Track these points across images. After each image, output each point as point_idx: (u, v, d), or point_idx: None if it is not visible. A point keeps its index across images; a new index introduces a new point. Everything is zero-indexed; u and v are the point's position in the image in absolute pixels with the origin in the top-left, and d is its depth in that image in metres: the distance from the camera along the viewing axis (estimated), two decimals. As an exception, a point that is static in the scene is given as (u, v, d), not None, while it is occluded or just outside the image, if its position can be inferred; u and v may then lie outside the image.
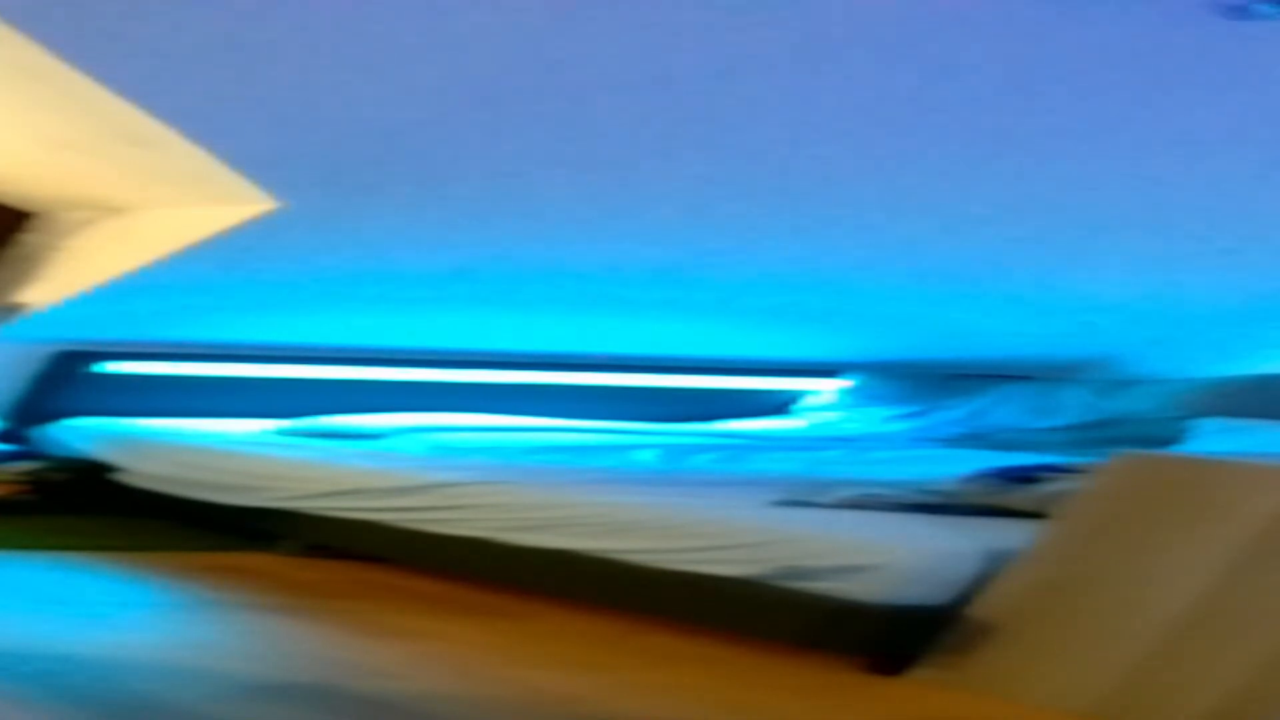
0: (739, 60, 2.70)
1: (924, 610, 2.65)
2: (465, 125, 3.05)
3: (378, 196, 3.47)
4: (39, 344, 4.50)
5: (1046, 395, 5.63)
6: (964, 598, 2.64)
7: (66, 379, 4.62)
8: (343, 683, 2.49)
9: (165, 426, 4.56)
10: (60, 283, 3.99)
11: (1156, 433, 5.06)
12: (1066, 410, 5.52)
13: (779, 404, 5.80)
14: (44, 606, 3.09)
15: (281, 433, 4.59)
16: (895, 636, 2.67)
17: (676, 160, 3.26)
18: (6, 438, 4.52)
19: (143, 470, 4.19)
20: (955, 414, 5.63)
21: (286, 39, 2.64)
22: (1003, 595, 2.61)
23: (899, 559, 2.70)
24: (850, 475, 3.99)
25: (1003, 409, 5.63)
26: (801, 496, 3.37)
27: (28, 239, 4.17)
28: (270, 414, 4.77)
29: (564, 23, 2.55)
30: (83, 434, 4.50)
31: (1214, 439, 4.88)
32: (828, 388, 5.90)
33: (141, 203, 3.90)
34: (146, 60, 2.75)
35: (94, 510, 4.19)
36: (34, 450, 4.51)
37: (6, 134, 3.44)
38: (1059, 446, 4.87)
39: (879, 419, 5.66)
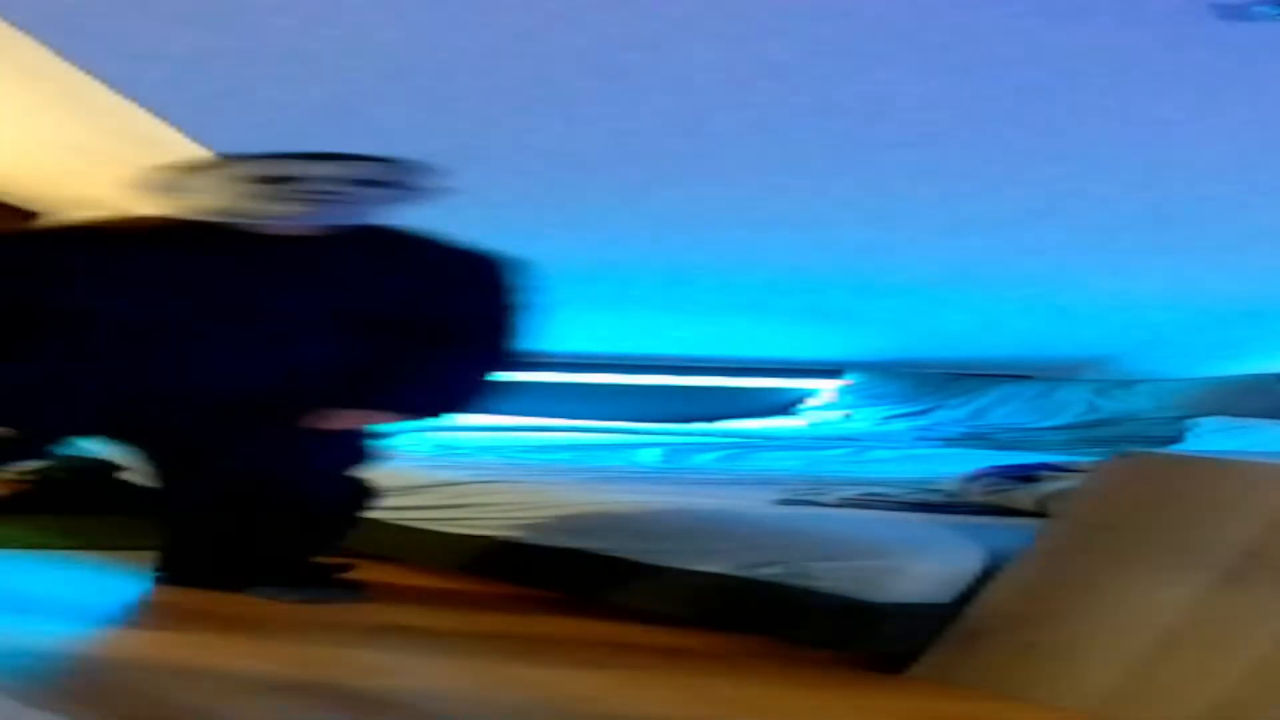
0: (743, 62, 2.70)
1: (925, 609, 2.66)
2: (464, 126, 3.06)
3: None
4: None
5: (1047, 395, 5.63)
6: (965, 597, 2.65)
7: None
8: (345, 681, 2.50)
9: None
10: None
11: (1156, 432, 5.06)
12: (1067, 410, 5.53)
13: (781, 403, 5.81)
14: (48, 605, 3.09)
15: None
16: (896, 635, 2.67)
17: (677, 160, 3.26)
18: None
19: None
20: (956, 413, 5.63)
21: (289, 40, 2.64)
22: (1003, 594, 2.61)
23: (900, 558, 2.70)
24: (852, 474, 4.00)
25: (1004, 408, 5.63)
26: (803, 496, 3.38)
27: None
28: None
29: (553, 21, 2.55)
30: (86, 434, 4.50)
31: (1214, 439, 4.89)
32: (829, 387, 5.91)
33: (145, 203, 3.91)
34: (150, 61, 2.76)
35: (99, 509, 4.20)
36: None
37: (11, 134, 3.45)
38: (1060, 446, 4.88)
39: (880, 418, 5.66)
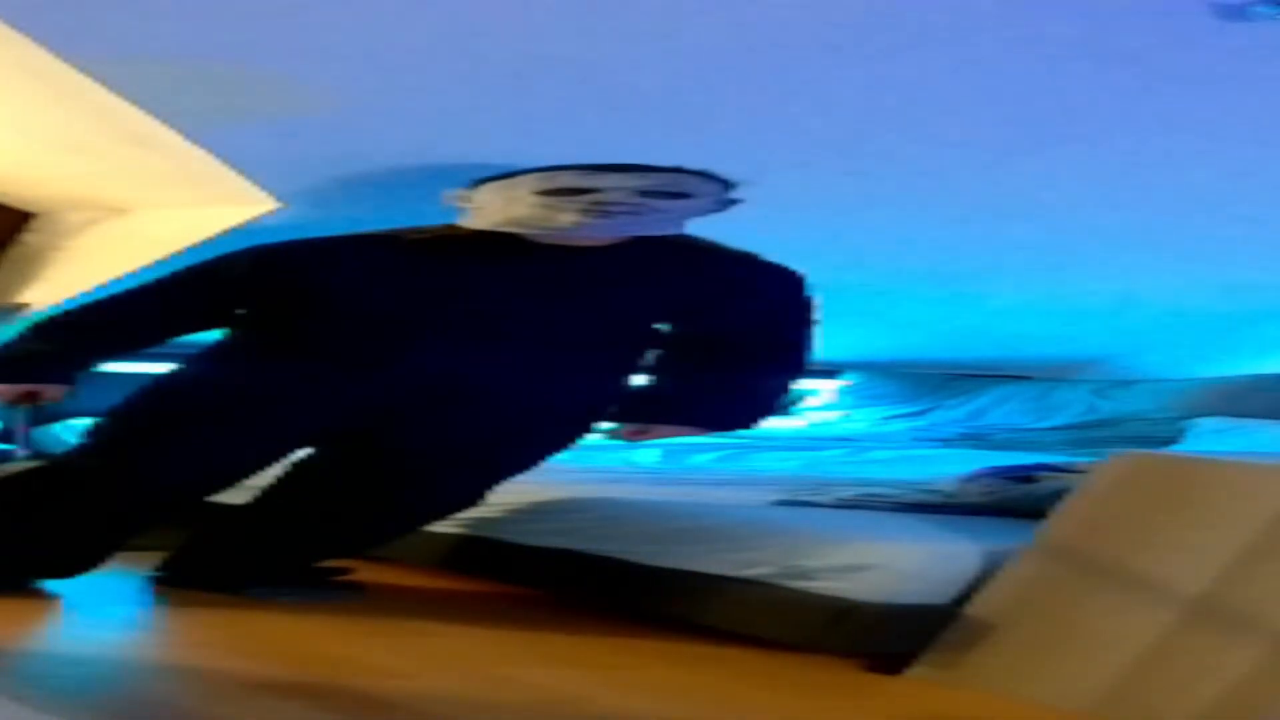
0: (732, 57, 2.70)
1: (924, 609, 2.66)
2: (463, 126, 3.05)
3: (379, 197, 3.48)
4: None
5: (1046, 395, 5.63)
6: (963, 597, 2.65)
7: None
8: (343, 681, 2.50)
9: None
10: (62, 283, 4.00)
11: (1156, 432, 5.06)
12: (1066, 410, 5.52)
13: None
14: (45, 605, 3.09)
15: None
16: (895, 636, 2.68)
17: (673, 157, 3.26)
18: (7, 437, 4.53)
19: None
20: (954, 414, 5.63)
21: (288, 38, 2.64)
22: (1001, 594, 2.62)
23: (899, 559, 2.71)
24: (850, 475, 4.00)
25: (1002, 409, 5.63)
26: (802, 496, 3.38)
27: (30, 239, 4.18)
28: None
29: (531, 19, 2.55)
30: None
31: (1214, 439, 4.89)
32: (827, 387, 5.90)
33: (143, 203, 3.91)
34: (148, 60, 2.76)
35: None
36: (36, 450, 4.51)
37: (8, 135, 3.45)
38: (1058, 446, 4.88)
39: (878, 419, 5.66)
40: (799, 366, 3.34)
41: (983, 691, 2.53)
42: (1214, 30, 2.40)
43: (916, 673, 2.63)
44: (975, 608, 2.62)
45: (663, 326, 3.29)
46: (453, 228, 3.18)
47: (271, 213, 3.54)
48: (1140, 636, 2.43)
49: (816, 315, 3.31)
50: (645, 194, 3.05)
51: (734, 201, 3.21)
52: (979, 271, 4.35)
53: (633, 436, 3.32)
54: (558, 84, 2.79)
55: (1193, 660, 2.37)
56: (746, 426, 3.52)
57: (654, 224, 3.12)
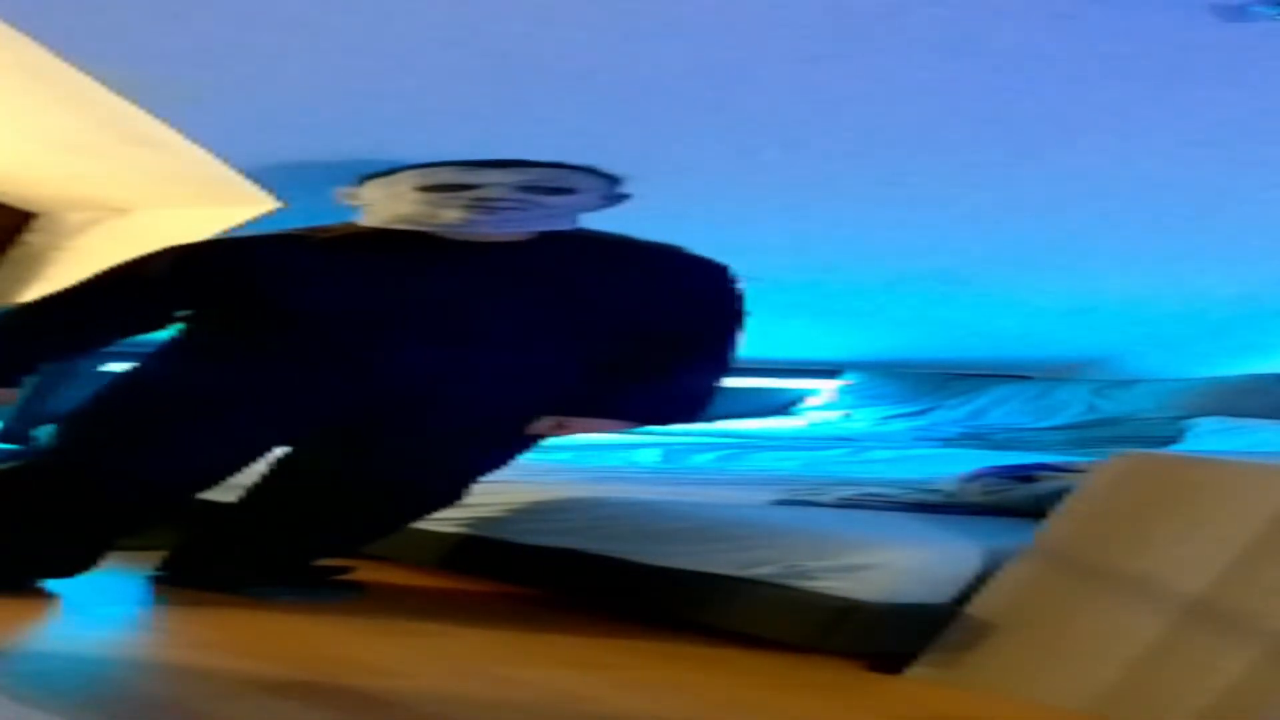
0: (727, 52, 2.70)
1: (924, 609, 2.66)
2: (462, 124, 3.06)
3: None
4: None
5: (1046, 395, 5.63)
6: (963, 597, 2.65)
7: (69, 379, 4.62)
8: (343, 681, 2.50)
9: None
10: (63, 283, 3.99)
11: (1156, 432, 5.06)
12: (1066, 410, 5.52)
13: (779, 403, 5.80)
14: (45, 605, 3.09)
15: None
16: (895, 636, 2.68)
17: (672, 156, 3.26)
18: (7, 437, 4.53)
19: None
20: (955, 413, 5.63)
21: (288, 39, 2.64)
22: (1002, 594, 2.62)
23: (899, 558, 2.71)
24: (850, 475, 4.00)
25: (1002, 408, 5.62)
26: (802, 496, 3.38)
27: (31, 239, 4.18)
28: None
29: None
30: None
31: (1213, 439, 4.89)
32: (828, 387, 5.90)
33: (144, 203, 3.91)
34: (148, 60, 2.76)
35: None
36: (36, 450, 4.51)
37: (9, 135, 3.45)
38: (1058, 446, 4.87)
39: (879, 418, 5.66)
40: (725, 360, 3.30)
41: (983, 691, 2.53)
42: (1214, 30, 2.41)
43: (916, 673, 2.63)
44: (975, 608, 2.63)
45: (593, 320, 3.25)
46: (352, 226, 3.17)
47: (271, 213, 3.54)
48: (1140, 636, 2.44)
49: (745, 308, 3.28)
50: (527, 189, 3.04)
51: (624, 196, 3.19)
52: (980, 271, 4.35)
53: (550, 431, 3.26)
54: (559, 84, 2.79)
55: (1193, 660, 2.37)
56: (672, 422, 3.51)
57: (542, 220, 3.10)
